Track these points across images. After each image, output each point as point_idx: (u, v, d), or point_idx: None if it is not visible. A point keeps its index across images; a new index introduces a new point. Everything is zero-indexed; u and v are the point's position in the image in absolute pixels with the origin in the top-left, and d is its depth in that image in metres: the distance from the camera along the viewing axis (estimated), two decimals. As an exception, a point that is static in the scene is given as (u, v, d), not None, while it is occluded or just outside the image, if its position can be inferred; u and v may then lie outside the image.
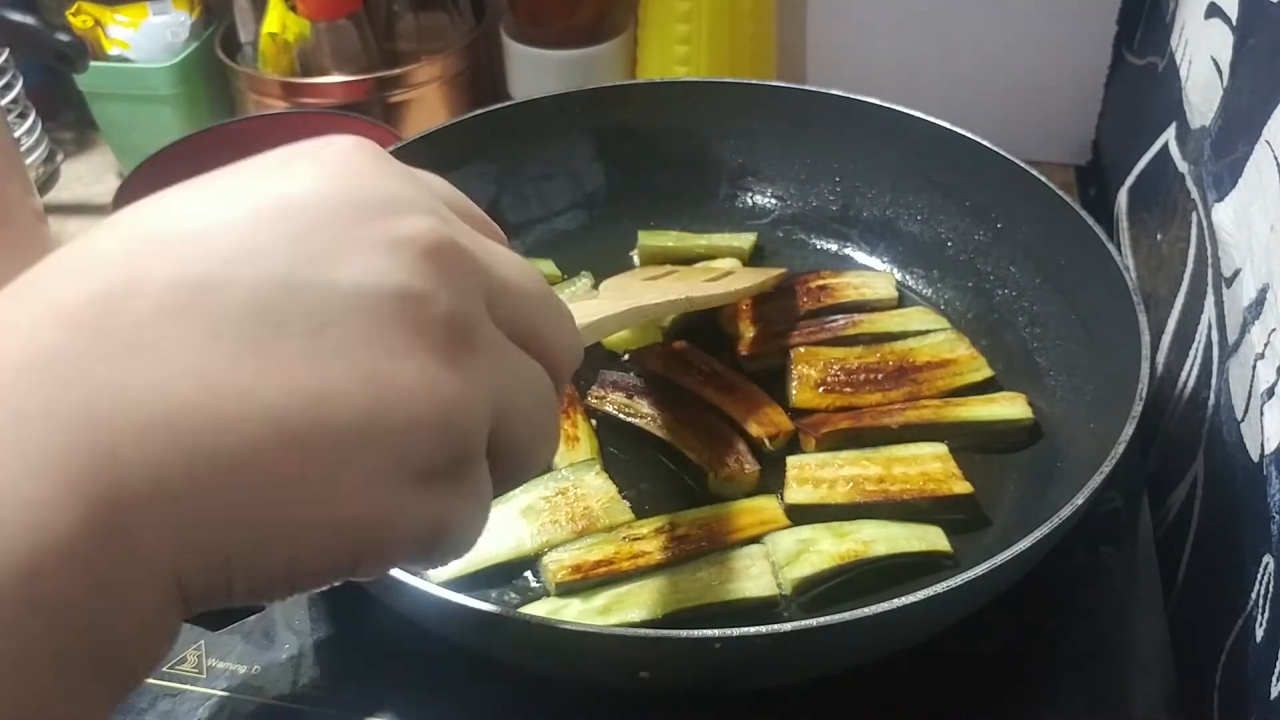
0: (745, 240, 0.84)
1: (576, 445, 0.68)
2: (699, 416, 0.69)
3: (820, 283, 0.80)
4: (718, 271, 0.76)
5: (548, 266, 0.82)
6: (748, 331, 0.77)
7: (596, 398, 0.71)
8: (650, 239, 0.83)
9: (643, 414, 0.70)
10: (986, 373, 0.73)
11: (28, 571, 0.22)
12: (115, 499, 0.23)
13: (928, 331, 0.75)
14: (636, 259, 0.83)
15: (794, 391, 0.72)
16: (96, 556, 0.23)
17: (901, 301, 0.80)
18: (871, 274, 0.82)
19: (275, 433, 0.25)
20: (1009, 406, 0.69)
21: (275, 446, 0.25)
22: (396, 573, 0.50)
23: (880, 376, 0.72)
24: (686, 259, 0.82)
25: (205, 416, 0.25)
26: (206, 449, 0.25)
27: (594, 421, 0.70)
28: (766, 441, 0.68)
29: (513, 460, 0.32)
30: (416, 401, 0.27)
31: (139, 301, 0.25)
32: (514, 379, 0.31)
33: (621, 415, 0.70)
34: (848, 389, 0.71)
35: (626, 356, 0.75)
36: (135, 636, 0.25)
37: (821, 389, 0.71)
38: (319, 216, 0.28)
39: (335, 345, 0.27)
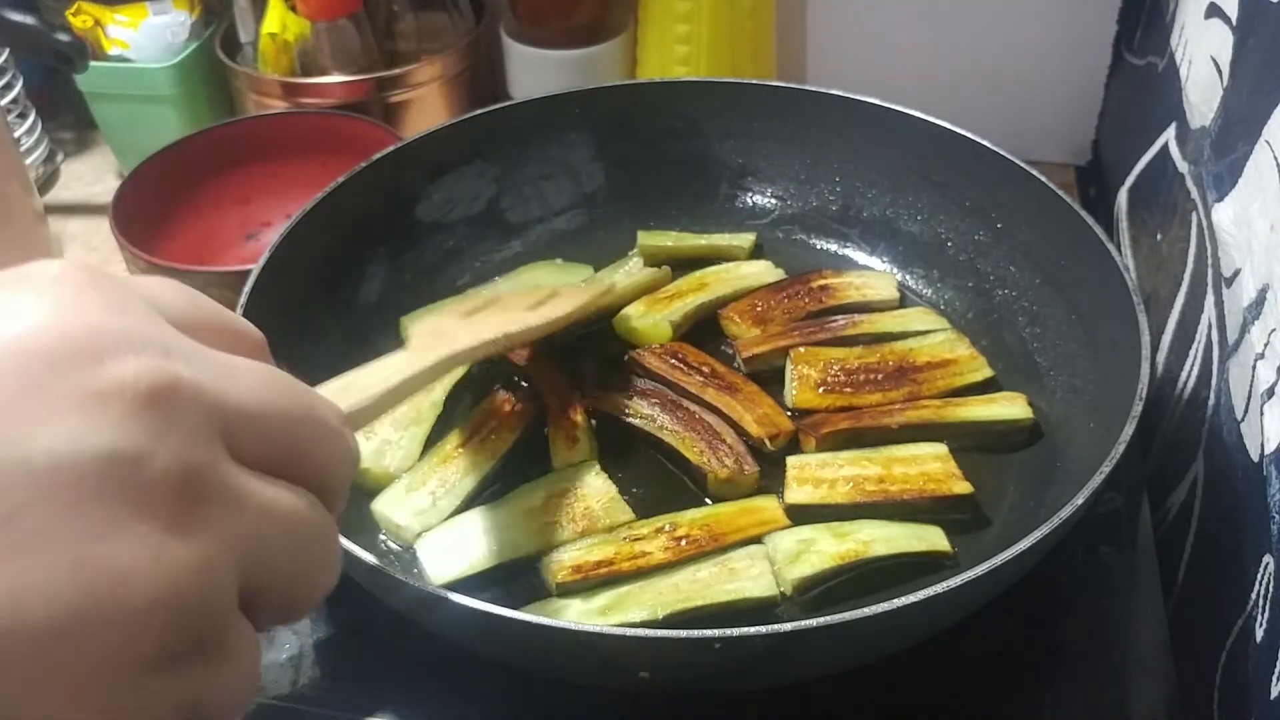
0: (745, 240, 0.84)
1: (576, 446, 0.68)
2: (699, 418, 0.69)
3: (822, 283, 0.80)
4: (542, 293, 0.70)
5: (549, 270, 0.82)
6: (749, 332, 0.77)
7: (596, 398, 0.71)
8: (650, 239, 0.83)
9: (642, 415, 0.70)
10: (986, 373, 0.73)
11: None
12: None
13: (928, 332, 0.75)
14: (638, 260, 0.83)
15: (794, 392, 0.72)
16: None
17: (902, 302, 0.80)
18: (873, 274, 0.82)
19: None
20: (1009, 406, 0.69)
21: None
22: (397, 573, 0.50)
23: (880, 377, 0.72)
24: (687, 259, 0.83)
25: None
26: None
27: (594, 422, 0.70)
28: (767, 442, 0.68)
29: (280, 605, 0.29)
30: (139, 584, 0.24)
31: None
32: (265, 522, 0.27)
33: (621, 416, 0.70)
34: (848, 389, 0.71)
35: (627, 358, 0.75)
36: None
37: (821, 389, 0.71)
38: (8, 377, 0.24)
39: (30, 533, 0.23)
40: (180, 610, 0.25)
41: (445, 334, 0.59)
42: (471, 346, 0.59)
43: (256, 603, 0.27)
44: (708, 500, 0.66)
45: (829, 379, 0.72)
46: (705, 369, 0.73)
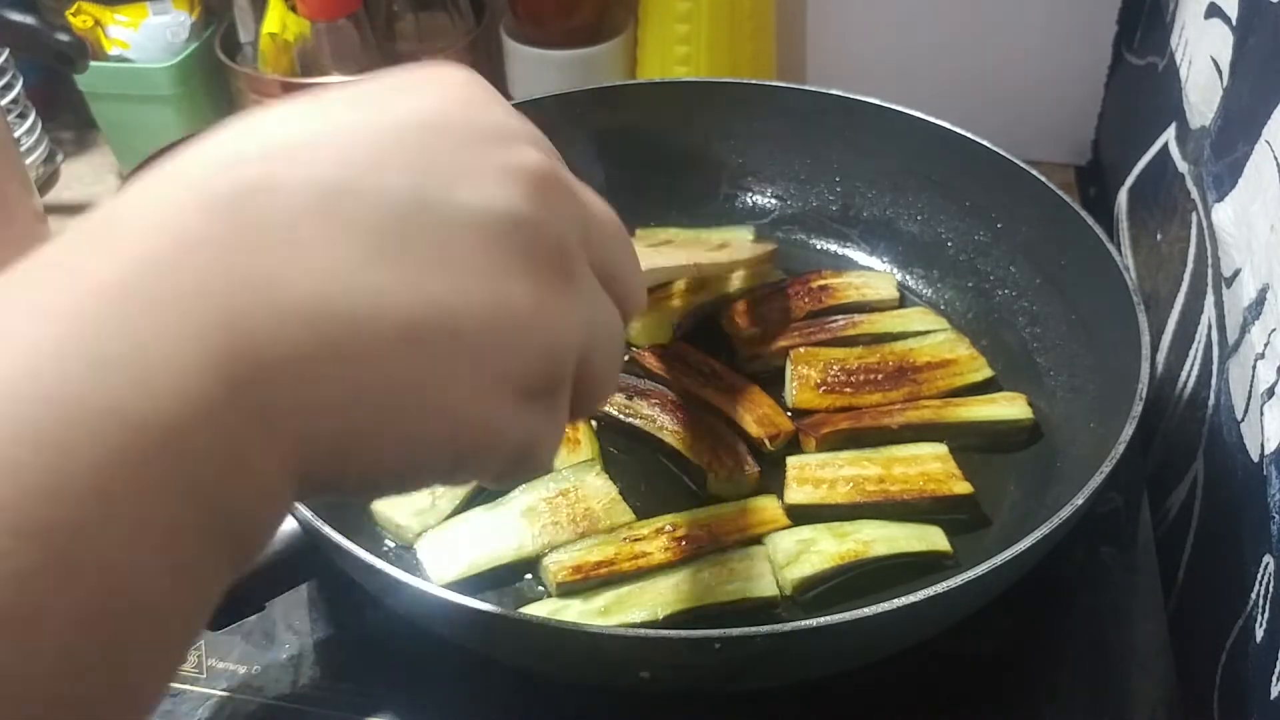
0: (745, 234, 0.85)
1: (577, 447, 0.68)
2: (699, 418, 0.69)
3: (821, 283, 0.80)
4: (714, 243, 0.77)
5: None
6: (748, 332, 0.77)
7: None
8: (649, 236, 0.83)
9: (642, 415, 0.70)
10: (987, 373, 0.73)
11: (175, 430, 0.23)
12: (252, 376, 0.25)
13: (928, 332, 0.75)
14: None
15: (794, 392, 0.72)
16: (233, 424, 0.25)
17: (902, 302, 0.80)
18: (873, 274, 0.82)
19: (403, 332, 0.27)
20: (1009, 407, 0.69)
21: (402, 344, 0.27)
22: (396, 573, 0.50)
23: (880, 377, 0.72)
24: None
25: (338, 309, 0.26)
26: (338, 340, 0.26)
27: (594, 423, 0.70)
28: (767, 442, 0.68)
29: (587, 393, 0.34)
30: (529, 320, 0.29)
31: (278, 198, 0.27)
32: (600, 315, 0.33)
33: (621, 416, 0.70)
34: (848, 389, 0.71)
35: (627, 358, 0.75)
36: (256, 508, 0.26)
37: (821, 389, 0.71)
38: (442, 137, 0.29)
39: (459, 258, 0.28)
40: (550, 352, 0.30)
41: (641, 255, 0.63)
42: (669, 266, 0.64)
43: (576, 384, 0.33)
44: (707, 501, 0.66)
45: (829, 379, 0.72)
46: (705, 369, 0.73)
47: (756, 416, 0.69)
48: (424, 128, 0.30)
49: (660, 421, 0.70)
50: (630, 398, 0.71)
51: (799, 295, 0.79)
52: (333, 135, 0.29)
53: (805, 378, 0.72)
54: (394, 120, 0.30)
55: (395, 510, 0.64)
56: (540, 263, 0.30)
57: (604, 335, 0.33)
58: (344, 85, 0.31)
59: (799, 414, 0.71)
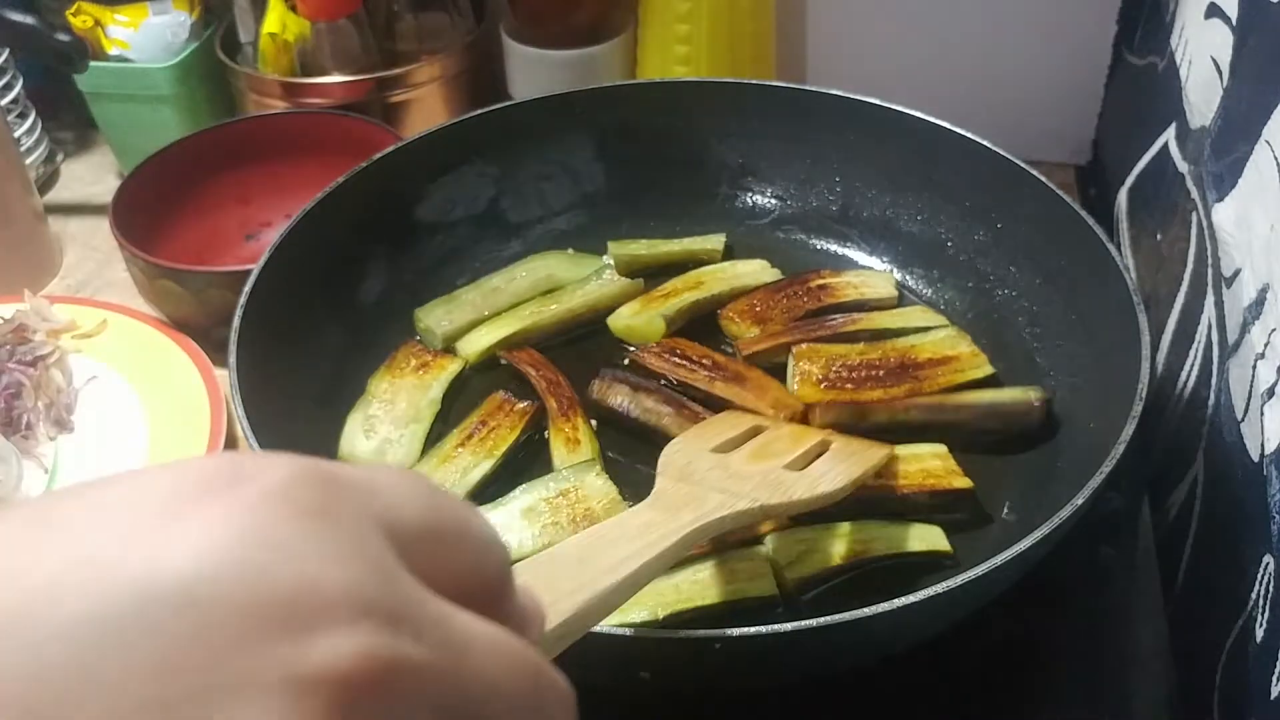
0: (717, 240, 0.85)
1: (577, 447, 0.68)
2: (697, 414, 0.69)
3: (820, 282, 0.80)
4: (813, 439, 0.61)
5: (559, 260, 0.82)
6: (748, 331, 0.77)
7: (597, 395, 0.72)
8: (620, 248, 0.83)
9: (645, 408, 0.70)
10: (988, 370, 0.73)
11: None
12: None
13: (929, 329, 0.75)
14: (610, 264, 0.82)
15: (795, 388, 0.72)
16: None
17: (901, 301, 0.80)
18: (871, 273, 0.82)
19: None
20: (1016, 391, 0.69)
21: None
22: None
23: (881, 373, 0.72)
24: (662, 265, 0.82)
25: None
26: None
27: (594, 423, 0.70)
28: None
29: None
30: None
31: None
32: None
33: (623, 411, 0.70)
34: (849, 385, 0.72)
35: (628, 361, 0.75)
36: None
37: (823, 385, 0.72)
38: (192, 630, 0.18)
39: None
40: None
41: (693, 478, 0.51)
42: (721, 516, 0.48)
43: None
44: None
45: (831, 375, 0.72)
46: (707, 362, 0.73)
47: (769, 401, 0.70)
48: (161, 615, 0.18)
49: (661, 413, 0.70)
50: (633, 392, 0.71)
51: (798, 294, 0.79)
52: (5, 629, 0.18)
53: (807, 373, 0.72)
54: (114, 598, 0.18)
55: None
56: None
57: None
58: (67, 502, 0.20)
59: (800, 416, 0.71)
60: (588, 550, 0.37)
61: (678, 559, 0.44)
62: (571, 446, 0.68)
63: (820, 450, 0.59)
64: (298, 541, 0.20)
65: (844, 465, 0.58)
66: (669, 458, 0.55)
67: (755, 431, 0.59)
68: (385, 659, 0.19)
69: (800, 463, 0.57)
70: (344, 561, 0.20)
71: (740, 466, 0.55)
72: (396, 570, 0.21)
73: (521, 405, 0.70)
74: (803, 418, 0.69)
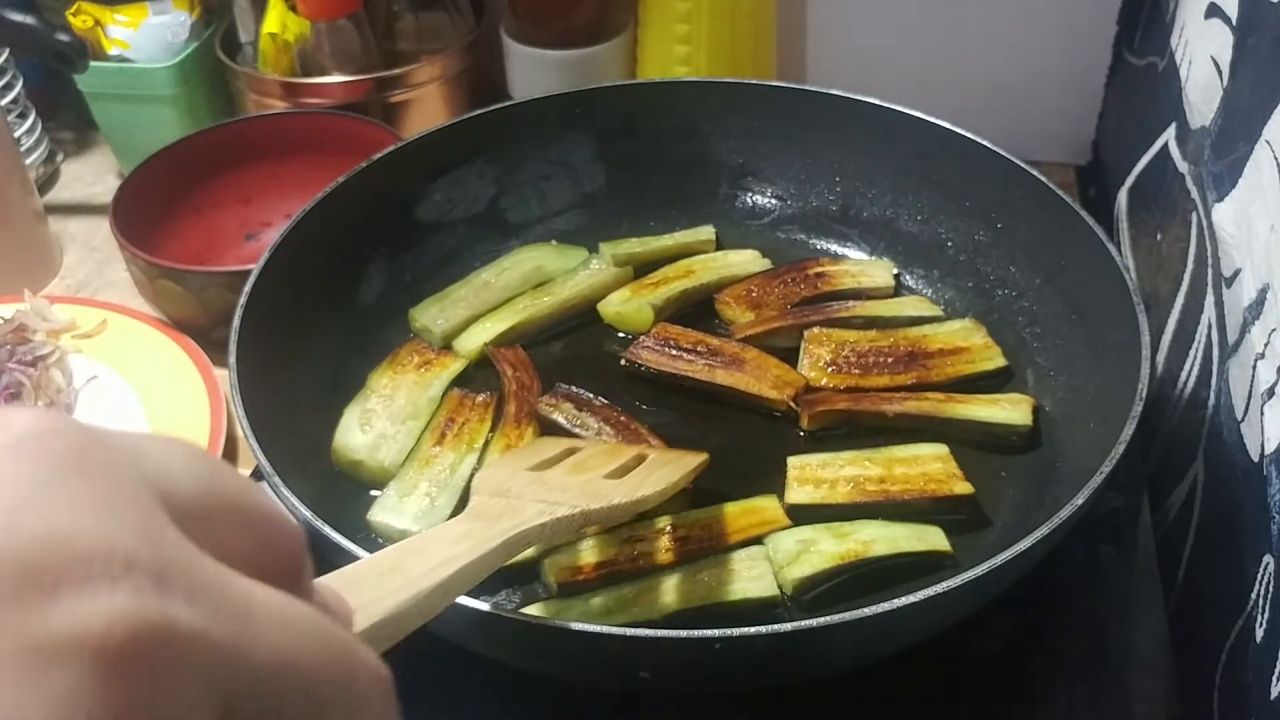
0: (707, 233, 0.85)
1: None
2: (638, 433, 0.68)
3: (818, 270, 0.80)
4: (628, 455, 0.60)
5: (545, 252, 0.82)
6: (744, 315, 0.77)
7: (544, 410, 0.70)
8: (613, 248, 0.83)
9: (588, 426, 0.69)
10: (1000, 362, 0.73)
11: None
12: None
13: (944, 319, 0.76)
14: (606, 261, 0.82)
15: (804, 369, 0.72)
16: None
17: (898, 292, 0.80)
18: (869, 261, 0.83)
19: None
20: (1010, 410, 0.69)
21: None
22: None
23: (890, 360, 0.73)
24: (657, 260, 0.82)
25: None
26: None
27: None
28: (791, 404, 0.69)
29: None
30: None
31: None
32: None
33: (565, 426, 0.69)
34: (855, 370, 0.72)
35: (624, 363, 0.75)
36: None
37: (830, 369, 0.72)
38: None
39: None
40: None
41: (511, 494, 0.51)
42: (542, 523, 0.49)
43: None
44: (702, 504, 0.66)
45: (839, 360, 0.73)
46: (702, 349, 0.74)
47: (770, 381, 0.70)
48: None
49: (603, 431, 0.68)
50: (580, 409, 0.70)
51: (795, 280, 0.79)
52: None
53: (816, 356, 0.73)
54: None
55: (395, 518, 0.64)
56: None
57: None
58: None
59: (806, 390, 0.71)
60: (401, 560, 0.37)
61: (496, 566, 0.44)
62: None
63: (637, 463, 0.59)
64: (47, 491, 0.17)
65: (661, 471, 0.58)
66: (483, 478, 0.55)
67: (570, 452, 0.59)
68: (150, 622, 0.17)
69: (618, 474, 0.57)
70: (101, 513, 0.18)
71: (558, 480, 0.55)
72: (165, 527, 0.19)
73: (481, 398, 0.70)
74: (804, 392, 0.70)
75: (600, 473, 0.57)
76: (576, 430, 0.69)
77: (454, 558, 0.39)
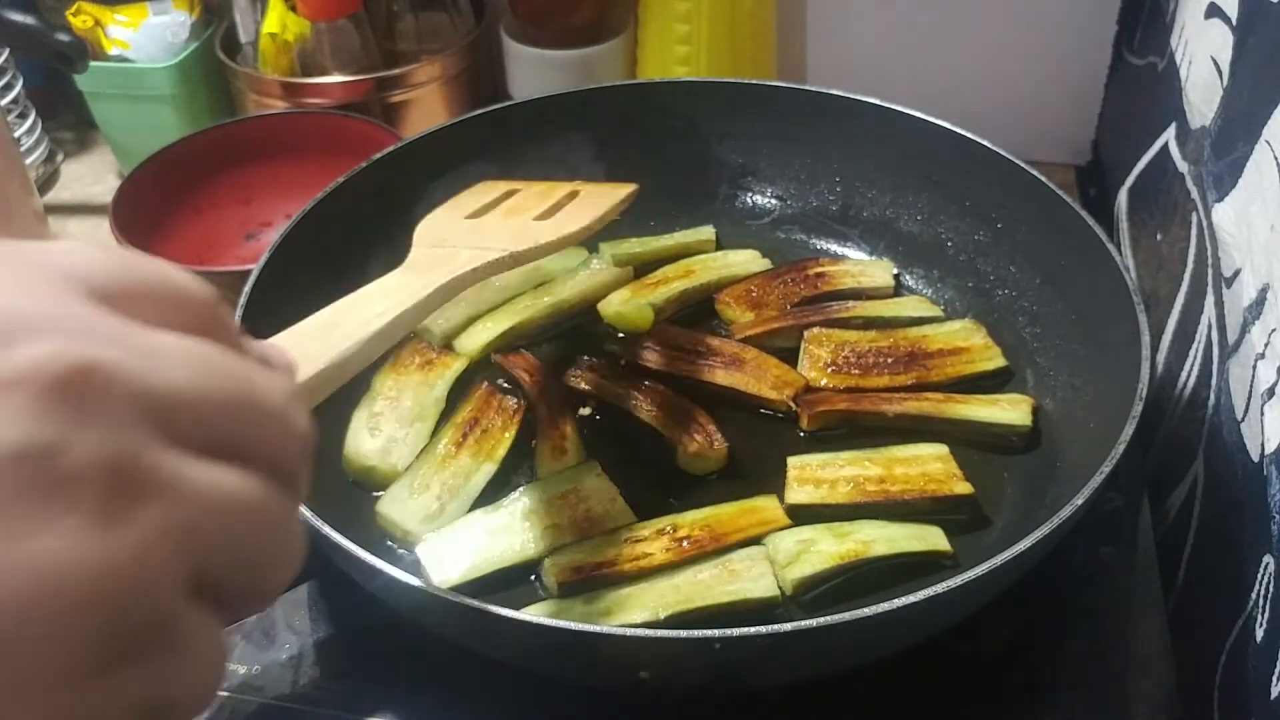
0: (707, 233, 0.85)
1: (564, 457, 0.68)
2: (672, 400, 0.70)
3: (818, 270, 0.80)
4: (560, 193, 0.63)
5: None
6: (744, 316, 0.77)
7: (577, 381, 0.73)
8: (613, 248, 0.83)
9: (617, 394, 0.71)
10: (1000, 362, 0.73)
11: None
12: None
13: (944, 319, 0.76)
14: (606, 261, 0.82)
15: (804, 370, 0.72)
16: None
17: (898, 292, 0.80)
18: (869, 262, 0.83)
19: None
20: (1010, 410, 0.69)
21: None
22: (397, 573, 0.50)
23: (890, 360, 0.73)
24: (659, 260, 0.82)
25: None
26: None
27: (585, 431, 0.70)
28: (791, 404, 0.70)
29: (241, 594, 0.26)
30: (69, 583, 0.22)
31: None
32: (209, 508, 0.25)
33: (602, 397, 0.71)
34: (855, 370, 0.72)
35: (624, 362, 0.75)
36: None
37: (830, 369, 0.72)
38: None
39: None
40: (117, 608, 0.23)
41: (447, 243, 0.54)
42: (474, 268, 0.52)
43: (216, 593, 0.25)
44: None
45: (839, 360, 0.73)
46: (702, 348, 0.74)
47: (769, 381, 0.70)
48: None
49: (636, 400, 0.71)
50: (604, 378, 0.72)
51: (795, 281, 0.79)
52: None
53: (816, 356, 0.73)
54: None
55: (403, 515, 0.64)
56: (76, 494, 0.22)
57: (231, 527, 0.25)
58: None
59: (805, 391, 0.71)
60: (340, 314, 0.41)
61: (434, 308, 0.50)
62: (558, 455, 0.68)
63: (570, 199, 0.62)
64: None
65: (588, 206, 0.61)
66: (424, 229, 0.58)
67: (509, 194, 0.62)
68: (79, 356, 0.23)
69: (551, 213, 0.61)
70: (27, 291, 0.24)
71: (492, 225, 0.58)
72: (78, 295, 0.24)
73: (511, 403, 0.70)
74: (804, 392, 0.70)
75: (532, 214, 0.60)
76: (612, 401, 0.71)
77: (389, 309, 0.43)
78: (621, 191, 0.65)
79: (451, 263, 0.52)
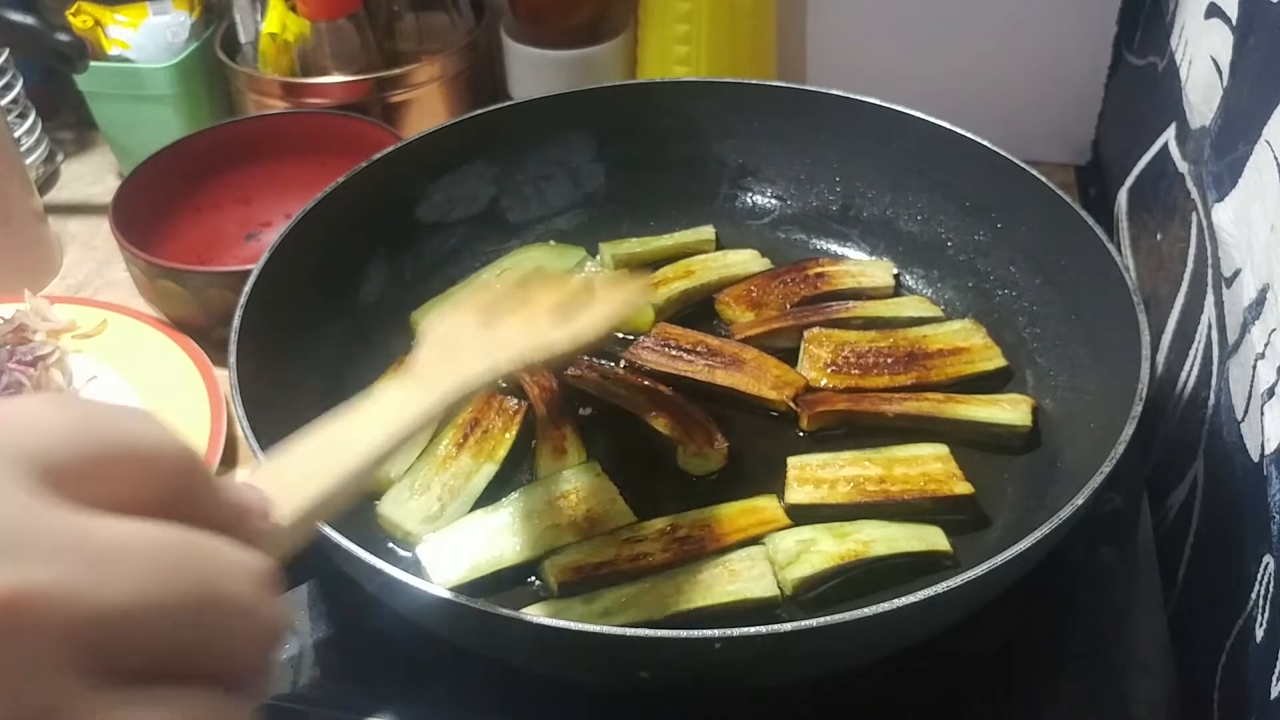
0: (707, 232, 0.85)
1: (564, 456, 0.68)
2: (671, 398, 0.70)
3: (818, 270, 0.80)
4: (571, 293, 0.61)
5: (543, 251, 0.82)
6: (744, 316, 0.77)
7: (575, 378, 0.73)
8: (613, 249, 0.83)
9: (616, 394, 0.71)
10: (1000, 362, 0.73)
11: None
12: None
13: (945, 319, 0.76)
14: (606, 261, 0.82)
15: (804, 370, 0.72)
16: None
17: (898, 292, 0.80)
18: (869, 262, 0.83)
19: None
20: (1010, 411, 0.69)
21: None
22: (397, 573, 0.50)
23: (890, 360, 0.73)
24: (657, 260, 0.82)
25: None
26: None
27: (583, 430, 0.70)
28: (791, 404, 0.69)
29: None
30: None
31: None
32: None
33: (601, 395, 0.71)
34: (855, 370, 0.72)
35: (624, 363, 0.75)
36: None
37: (830, 369, 0.72)
38: None
39: None
40: None
41: (456, 350, 0.52)
42: (486, 380, 0.51)
43: None
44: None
45: (839, 360, 0.73)
46: (701, 349, 0.74)
47: (769, 382, 0.70)
48: None
49: (635, 400, 0.71)
50: (605, 378, 0.72)
51: (795, 281, 0.79)
52: None
53: (816, 356, 0.73)
54: None
55: (403, 516, 0.64)
56: None
57: None
58: None
59: (805, 391, 0.71)
60: (340, 434, 0.39)
61: (436, 421, 0.50)
62: (558, 455, 0.68)
63: (580, 297, 0.60)
64: None
65: (603, 311, 0.59)
66: (431, 329, 0.55)
67: (519, 288, 0.60)
68: (11, 587, 0.19)
69: (564, 312, 0.58)
70: None
71: (504, 333, 0.55)
72: (22, 497, 0.21)
73: (512, 404, 0.70)
74: (804, 392, 0.71)
75: (546, 314, 0.58)
76: (609, 399, 0.71)
77: (393, 429, 0.41)
78: (636, 293, 0.64)
79: (461, 374, 0.50)
